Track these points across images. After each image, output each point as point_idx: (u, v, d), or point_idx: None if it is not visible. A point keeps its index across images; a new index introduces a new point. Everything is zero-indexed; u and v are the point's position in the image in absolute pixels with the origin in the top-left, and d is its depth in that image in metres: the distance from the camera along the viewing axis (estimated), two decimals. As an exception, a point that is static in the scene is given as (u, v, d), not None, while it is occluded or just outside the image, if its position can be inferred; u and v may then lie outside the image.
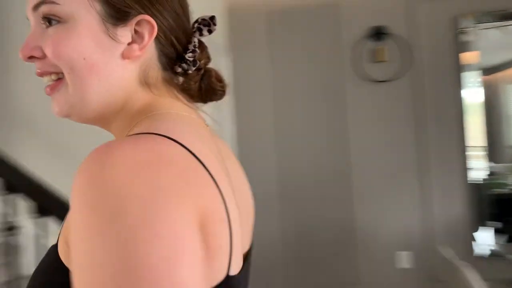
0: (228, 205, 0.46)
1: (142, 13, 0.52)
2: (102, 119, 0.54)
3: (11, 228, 1.87)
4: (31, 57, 0.53)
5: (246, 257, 0.58)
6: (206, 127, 0.57)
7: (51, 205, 1.78)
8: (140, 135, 0.45)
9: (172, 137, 0.44)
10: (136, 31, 0.53)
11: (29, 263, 2.22)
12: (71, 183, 0.41)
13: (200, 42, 0.59)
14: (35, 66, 0.54)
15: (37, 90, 2.84)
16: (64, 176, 2.48)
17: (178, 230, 0.38)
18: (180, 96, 0.58)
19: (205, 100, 0.62)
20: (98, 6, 0.51)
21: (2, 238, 2.13)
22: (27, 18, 0.54)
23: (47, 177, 1.89)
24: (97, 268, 0.36)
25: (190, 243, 0.39)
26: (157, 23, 0.53)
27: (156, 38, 0.54)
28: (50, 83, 0.54)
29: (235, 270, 0.48)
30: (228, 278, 0.46)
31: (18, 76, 2.66)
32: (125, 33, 0.52)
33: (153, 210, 0.38)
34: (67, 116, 0.54)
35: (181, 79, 0.58)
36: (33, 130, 2.64)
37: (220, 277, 0.45)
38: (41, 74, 0.54)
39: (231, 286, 0.47)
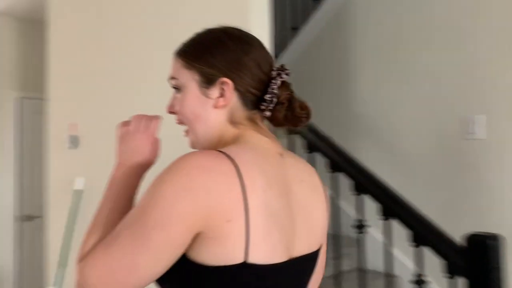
0: (251, 211, 0.67)
1: (222, 77, 0.78)
2: (213, 149, 0.73)
3: (360, 226, 1.99)
4: (171, 112, 0.84)
5: (307, 256, 0.80)
6: (274, 155, 0.79)
7: (395, 208, 1.80)
8: (211, 150, 0.72)
9: (229, 154, 0.70)
10: (221, 89, 0.78)
11: (369, 258, 2.31)
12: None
13: (283, 81, 0.80)
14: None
15: (381, 102, 2.91)
16: (403, 182, 2.44)
17: (176, 208, 0.65)
18: (263, 127, 0.81)
19: (293, 125, 0.81)
20: (196, 77, 0.79)
21: (352, 234, 2.30)
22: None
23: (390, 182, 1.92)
24: (141, 202, 0.69)
25: (180, 218, 0.65)
26: (235, 81, 0.78)
27: (237, 90, 0.78)
28: (186, 129, 0.83)
29: (259, 259, 0.68)
30: (244, 264, 0.67)
31: (364, 88, 2.85)
32: (214, 92, 0.79)
33: (170, 196, 0.65)
34: (195, 148, 0.83)
35: (268, 113, 0.79)
36: (376, 138, 2.75)
37: (230, 260, 0.66)
38: (179, 123, 0.84)
39: (247, 271, 0.67)
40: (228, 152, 0.71)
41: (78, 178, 2.42)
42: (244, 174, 0.68)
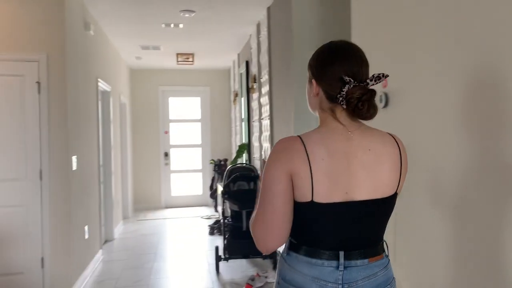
0: (313, 170, 1.15)
1: (312, 78, 1.26)
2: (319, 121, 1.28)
3: None
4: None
5: (370, 200, 1.20)
6: (342, 133, 1.21)
7: None
8: (292, 136, 1.22)
9: (302, 137, 1.19)
10: (315, 85, 1.26)
11: None
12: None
13: (355, 84, 1.18)
14: None
15: None
16: None
17: (275, 172, 1.17)
18: (340, 115, 1.22)
19: (360, 118, 1.21)
20: (307, 75, 1.29)
21: None
22: None
23: None
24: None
25: (281, 178, 1.17)
26: (318, 83, 1.25)
27: (321, 87, 1.24)
28: None
29: (321, 199, 1.16)
30: (312, 202, 1.16)
31: None
32: (312, 86, 1.26)
33: (271, 163, 1.19)
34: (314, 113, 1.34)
35: (344, 106, 1.19)
36: None
37: (306, 199, 1.17)
38: None
39: (314, 206, 1.17)
40: (302, 136, 1.20)
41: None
42: (309, 149, 1.16)
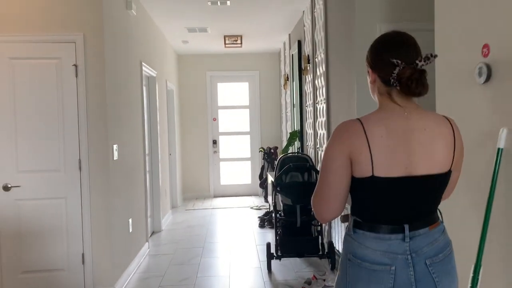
0: (371, 147, 1.26)
1: (369, 68, 1.41)
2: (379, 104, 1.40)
3: None
4: None
5: (428, 176, 1.30)
6: (399, 113, 1.31)
7: None
8: (352, 119, 1.34)
9: (361, 119, 1.31)
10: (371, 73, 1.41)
11: None
12: None
13: (404, 66, 1.28)
14: None
15: None
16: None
17: (333, 152, 1.31)
18: (396, 97, 1.33)
19: (413, 95, 1.31)
20: (366, 67, 1.43)
21: None
22: None
23: None
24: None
25: (337, 157, 1.30)
26: (374, 70, 1.38)
27: (376, 74, 1.37)
28: None
29: (381, 174, 1.27)
30: (373, 177, 1.27)
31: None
32: (371, 74, 1.40)
33: (330, 144, 1.33)
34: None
35: (398, 87, 1.30)
36: None
37: (367, 174, 1.27)
38: None
39: (376, 181, 1.27)
40: (361, 118, 1.31)
41: (503, 128, 1.73)
42: (367, 130, 1.28)
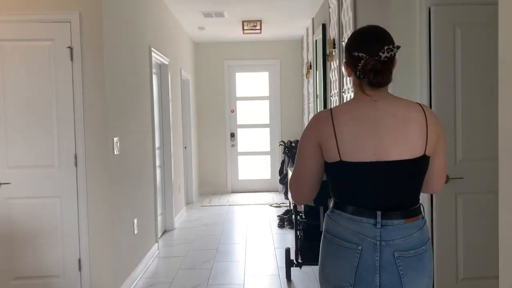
0: (337, 134, 1.36)
1: (344, 62, 1.50)
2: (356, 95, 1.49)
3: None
4: None
5: (400, 161, 1.36)
6: (368, 102, 1.39)
7: None
8: (324, 110, 1.49)
9: (332, 109, 1.43)
10: (346, 67, 1.49)
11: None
12: None
13: (367, 59, 1.37)
14: None
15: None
16: None
17: (304, 139, 1.46)
18: (365, 87, 1.40)
19: (376, 86, 1.39)
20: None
21: None
22: None
23: None
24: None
25: (308, 143, 1.44)
26: (347, 65, 1.46)
27: (350, 68, 1.45)
28: None
29: (348, 159, 1.36)
30: (341, 161, 1.36)
31: None
32: (346, 68, 1.49)
33: (303, 132, 1.47)
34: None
35: (366, 80, 1.39)
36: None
37: (335, 159, 1.37)
38: None
39: (344, 165, 1.36)
40: (332, 108, 1.44)
41: None
42: (335, 118, 1.39)
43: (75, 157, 3.08)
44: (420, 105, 1.40)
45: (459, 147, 2.80)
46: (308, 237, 3.70)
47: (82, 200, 3.10)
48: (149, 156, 4.36)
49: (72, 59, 3.04)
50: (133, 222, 3.74)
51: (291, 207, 5.79)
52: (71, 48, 3.03)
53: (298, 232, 3.75)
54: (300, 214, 3.81)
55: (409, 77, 2.80)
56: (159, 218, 5.06)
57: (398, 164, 1.34)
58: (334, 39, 4.70)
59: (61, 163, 3.08)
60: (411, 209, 1.37)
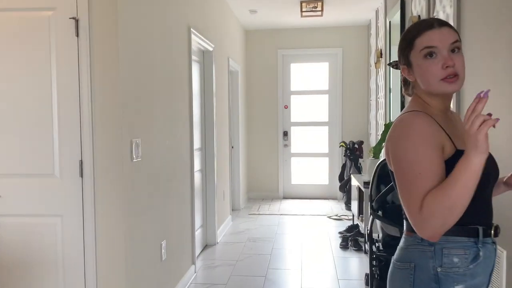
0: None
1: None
2: None
3: None
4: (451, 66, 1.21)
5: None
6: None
7: None
8: None
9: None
10: None
11: None
12: None
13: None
14: None
15: None
16: None
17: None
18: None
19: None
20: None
21: None
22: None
23: None
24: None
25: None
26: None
27: None
28: (457, 79, 1.23)
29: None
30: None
31: None
32: None
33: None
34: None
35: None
36: None
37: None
38: (454, 75, 1.22)
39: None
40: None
41: None
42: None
43: (81, 164, 2.33)
44: (403, 114, 1.24)
45: None
46: (386, 277, 2.75)
47: (89, 221, 2.35)
48: (185, 160, 3.58)
49: (77, 34, 2.28)
50: (161, 245, 2.97)
51: (355, 222, 4.82)
52: (76, 20, 2.28)
53: (373, 268, 2.81)
54: (377, 243, 2.87)
55: None
56: (198, 232, 4.28)
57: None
58: (419, 15, 3.67)
59: (62, 172, 2.34)
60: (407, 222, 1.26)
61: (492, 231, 1.21)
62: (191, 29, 3.74)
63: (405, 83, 1.35)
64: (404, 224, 1.29)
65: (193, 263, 3.79)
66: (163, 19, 3.05)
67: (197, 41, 4.03)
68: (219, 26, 4.98)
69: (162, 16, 3.02)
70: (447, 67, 1.17)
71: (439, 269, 1.18)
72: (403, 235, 1.30)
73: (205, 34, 4.23)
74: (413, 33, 1.23)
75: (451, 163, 1.12)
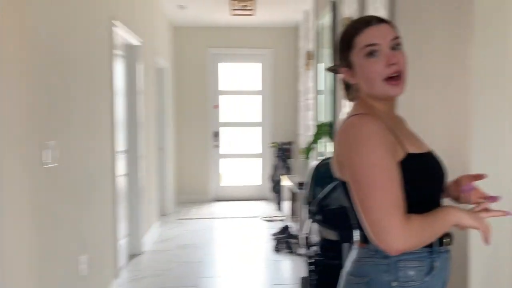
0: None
1: None
2: None
3: None
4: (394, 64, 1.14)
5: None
6: None
7: None
8: None
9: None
10: None
11: None
12: None
13: None
14: None
15: None
16: None
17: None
18: None
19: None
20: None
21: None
22: None
23: None
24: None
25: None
26: None
27: None
28: (399, 79, 1.17)
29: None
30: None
31: None
32: None
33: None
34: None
35: None
36: None
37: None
38: (397, 73, 1.15)
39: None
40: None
41: None
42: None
43: (-22, 172, 1.97)
44: (348, 118, 1.15)
45: None
46: (324, 279, 2.68)
47: (-10, 239, 1.99)
48: (107, 164, 3.26)
49: (-27, 18, 1.92)
50: (78, 260, 2.64)
51: (288, 223, 4.77)
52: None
53: (310, 273, 2.73)
54: (313, 247, 2.78)
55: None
56: (123, 241, 3.96)
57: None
58: (351, 17, 3.68)
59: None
60: (362, 234, 1.15)
61: (446, 240, 1.14)
62: (115, 21, 3.43)
63: (346, 87, 1.24)
64: (359, 234, 1.18)
65: (117, 276, 3.47)
66: (80, 9, 2.73)
67: (122, 35, 3.72)
68: (147, 20, 4.68)
69: (79, 6, 2.70)
70: (390, 64, 1.11)
71: (394, 284, 1.10)
72: (355, 247, 1.19)
73: (131, 27, 3.93)
74: (351, 32, 1.15)
75: (402, 167, 1.06)
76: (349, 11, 3.77)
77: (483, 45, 1.79)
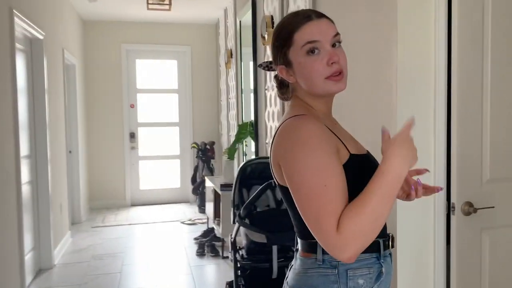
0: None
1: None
2: None
3: None
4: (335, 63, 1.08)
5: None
6: None
7: None
8: None
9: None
10: None
11: None
12: None
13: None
14: None
15: None
16: None
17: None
18: None
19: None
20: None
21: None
22: None
23: None
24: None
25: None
26: None
27: None
28: (342, 76, 1.09)
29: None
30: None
31: None
32: None
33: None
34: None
35: None
36: None
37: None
38: (339, 72, 1.08)
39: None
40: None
41: None
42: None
43: None
44: (286, 120, 1.07)
45: (485, 164, 1.93)
46: (253, 284, 2.62)
47: None
48: (8, 171, 2.90)
49: None
50: (-25, 283, 2.30)
51: (210, 225, 4.65)
52: None
53: (238, 279, 2.64)
54: (241, 251, 2.71)
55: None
56: (29, 256, 3.56)
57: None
58: (272, 16, 3.66)
59: None
60: (301, 242, 1.10)
61: (389, 242, 1.12)
62: (14, 11, 3.06)
63: (281, 85, 1.16)
64: (299, 243, 1.11)
65: (23, 296, 3.11)
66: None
67: (23, 26, 3.33)
68: (51, 11, 4.27)
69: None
70: (332, 63, 1.05)
71: None
72: (298, 257, 1.12)
73: (32, 18, 3.54)
74: (289, 28, 1.07)
75: (346, 169, 1.00)
76: (269, 9, 3.75)
77: (407, 44, 1.84)
